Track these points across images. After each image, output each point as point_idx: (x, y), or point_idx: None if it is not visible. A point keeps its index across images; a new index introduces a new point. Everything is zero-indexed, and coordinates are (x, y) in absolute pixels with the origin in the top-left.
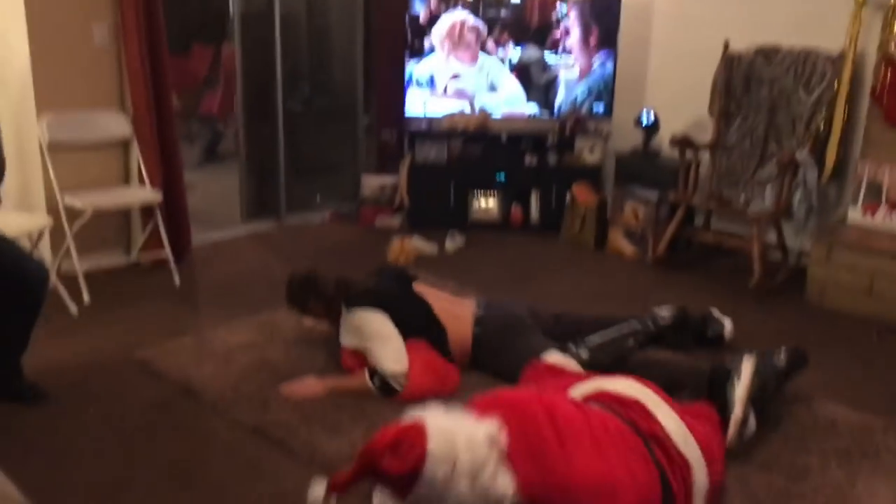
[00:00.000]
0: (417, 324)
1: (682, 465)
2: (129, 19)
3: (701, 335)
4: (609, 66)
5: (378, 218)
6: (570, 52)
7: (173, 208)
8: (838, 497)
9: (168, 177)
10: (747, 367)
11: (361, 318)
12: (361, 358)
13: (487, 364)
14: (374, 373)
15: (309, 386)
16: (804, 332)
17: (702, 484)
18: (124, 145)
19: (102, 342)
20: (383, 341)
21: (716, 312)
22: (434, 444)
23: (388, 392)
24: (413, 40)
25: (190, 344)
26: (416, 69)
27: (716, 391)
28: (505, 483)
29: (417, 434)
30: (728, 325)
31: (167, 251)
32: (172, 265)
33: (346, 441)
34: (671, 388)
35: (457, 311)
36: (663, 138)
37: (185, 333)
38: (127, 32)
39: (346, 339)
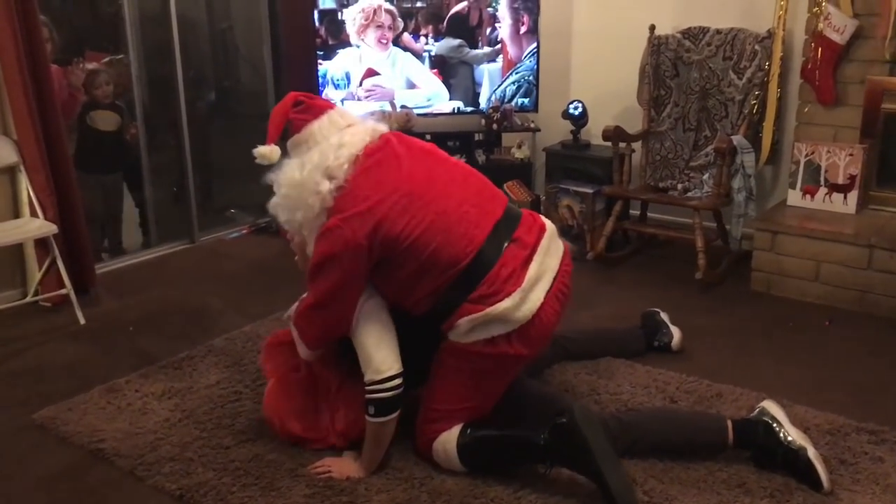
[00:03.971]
0: None
1: (509, 279)
2: (3, 29)
3: (648, 343)
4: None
5: None
6: (495, 45)
7: (72, 237)
8: None
9: (63, 204)
10: (775, 408)
11: None
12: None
13: None
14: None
15: (348, 467)
16: (755, 324)
17: (503, 313)
18: (11, 173)
19: None
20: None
21: (666, 318)
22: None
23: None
24: (326, 36)
25: (99, 397)
26: (329, 67)
27: (758, 442)
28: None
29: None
30: (677, 335)
31: (68, 287)
32: (75, 302)
33: (284, 502)
34: (684, 432)
35: None
36: (591, 130)
37: (92, 384)
38: (1, 44)
39: None
